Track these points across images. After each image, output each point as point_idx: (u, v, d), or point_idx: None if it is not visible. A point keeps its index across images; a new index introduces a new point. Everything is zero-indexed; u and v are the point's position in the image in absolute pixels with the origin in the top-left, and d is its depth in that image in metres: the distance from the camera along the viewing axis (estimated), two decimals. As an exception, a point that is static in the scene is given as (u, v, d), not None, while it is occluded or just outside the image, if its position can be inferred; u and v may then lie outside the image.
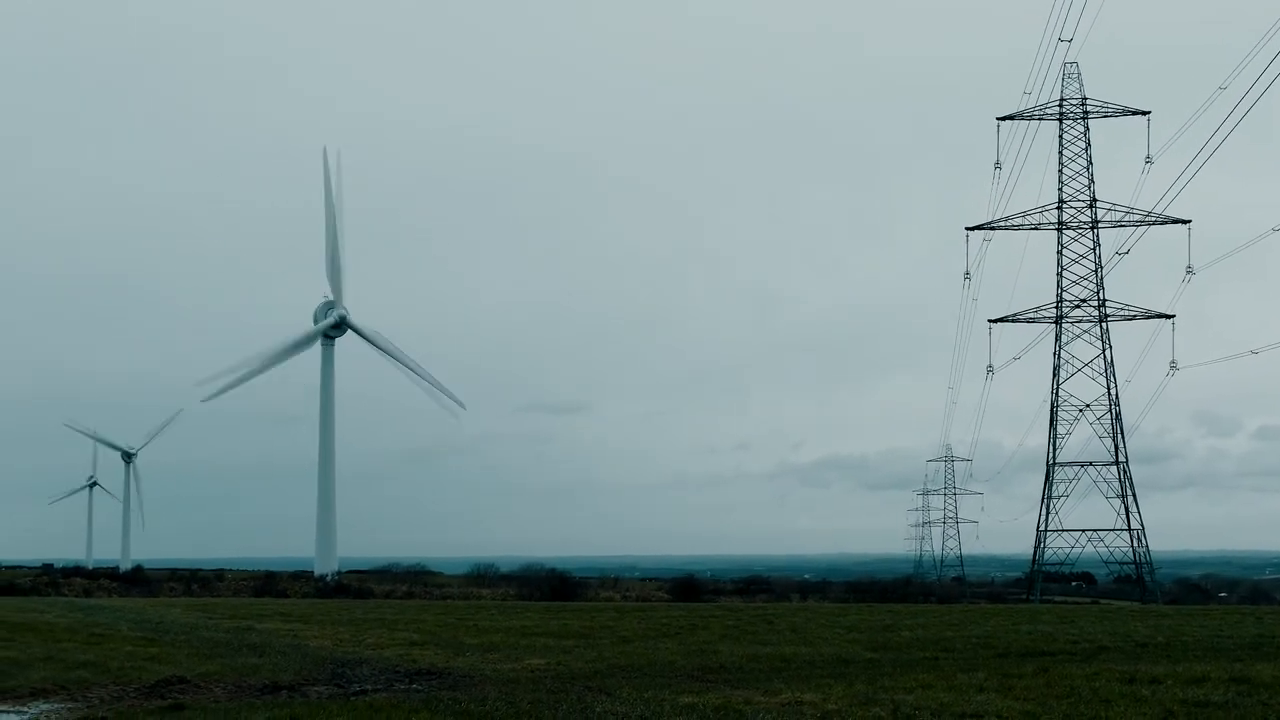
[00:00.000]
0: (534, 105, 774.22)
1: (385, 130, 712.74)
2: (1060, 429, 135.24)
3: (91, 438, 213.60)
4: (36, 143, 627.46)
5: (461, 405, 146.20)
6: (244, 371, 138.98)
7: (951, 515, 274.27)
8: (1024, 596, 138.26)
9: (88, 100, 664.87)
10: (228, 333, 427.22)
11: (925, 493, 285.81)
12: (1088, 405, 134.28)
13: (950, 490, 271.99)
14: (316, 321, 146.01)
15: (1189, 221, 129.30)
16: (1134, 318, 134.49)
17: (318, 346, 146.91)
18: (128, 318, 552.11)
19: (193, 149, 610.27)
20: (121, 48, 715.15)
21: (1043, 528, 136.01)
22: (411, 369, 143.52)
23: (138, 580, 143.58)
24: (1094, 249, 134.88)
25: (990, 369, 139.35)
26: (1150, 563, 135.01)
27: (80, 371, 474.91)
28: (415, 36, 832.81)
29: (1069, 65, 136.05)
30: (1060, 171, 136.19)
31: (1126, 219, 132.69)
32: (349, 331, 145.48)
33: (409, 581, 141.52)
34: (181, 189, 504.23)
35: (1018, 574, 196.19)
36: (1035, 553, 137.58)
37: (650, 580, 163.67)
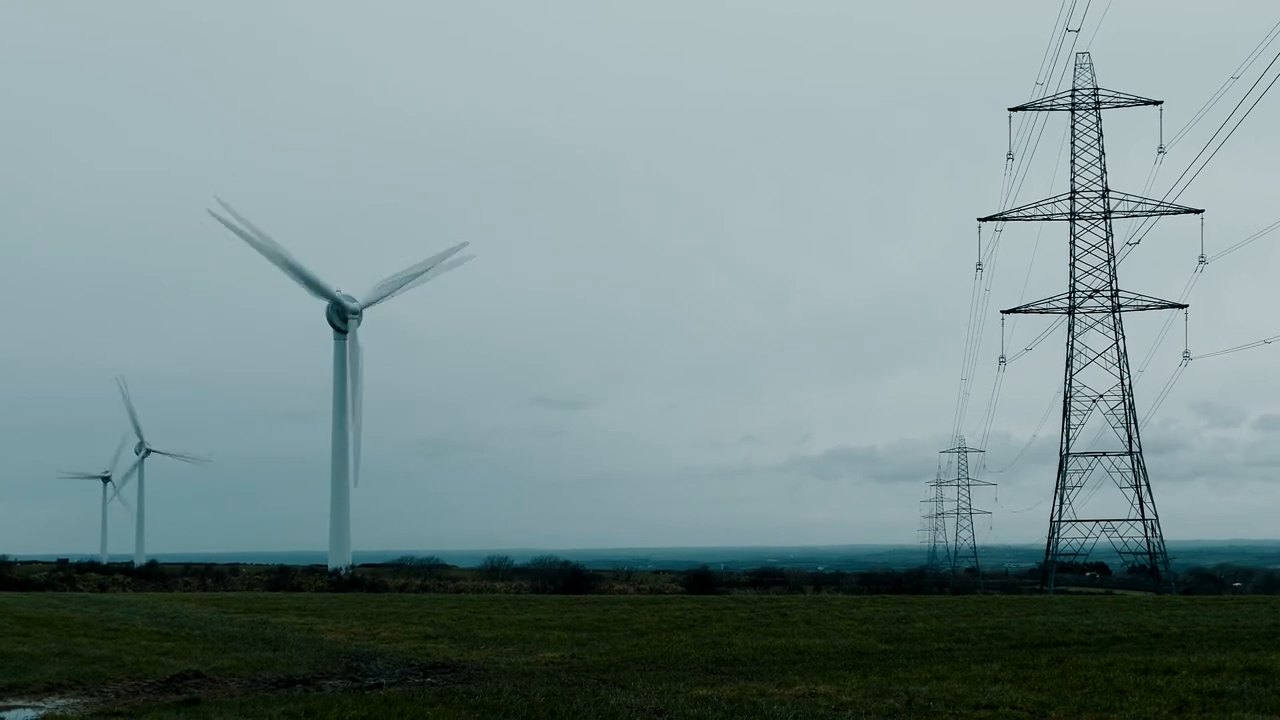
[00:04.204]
0: (548, 98, 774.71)
1: (400, 121, 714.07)
2: (1073, 419, 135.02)
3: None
4: (56, 134, 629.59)
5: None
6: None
7: (965, 506, 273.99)
8: (1038, 587, 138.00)
9: (94, 94, 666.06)
10: (240, 327, 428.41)
11: (938, 484, 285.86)
12: (1101, 395, 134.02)
13: (963, 481, 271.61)
14: (329, 319, 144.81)
15: (1201, 211, 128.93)
16: (1147, 308, 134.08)
17: (329, 340, 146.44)
18: (138, 314, 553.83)
19: (208, 140, 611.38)
20: (133, 43, 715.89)
21: (1056, 518, 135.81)
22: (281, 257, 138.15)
23: (152, 575, 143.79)
24: (1106, 239, 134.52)
25: (1003, 360, 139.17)
26: (1164, 553, 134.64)
27: (95, 367, 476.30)
28: (431, 28, 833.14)
29: (1080, 55, 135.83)
30: (1072, 162, 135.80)
31: (1139, 209, 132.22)
32: (361, 320, 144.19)
33: (422, 575, 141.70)
34: (194, 180, 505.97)
35: (1031, 565, 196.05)
36: (1049, 543, 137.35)
37: (664, 573, 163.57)
